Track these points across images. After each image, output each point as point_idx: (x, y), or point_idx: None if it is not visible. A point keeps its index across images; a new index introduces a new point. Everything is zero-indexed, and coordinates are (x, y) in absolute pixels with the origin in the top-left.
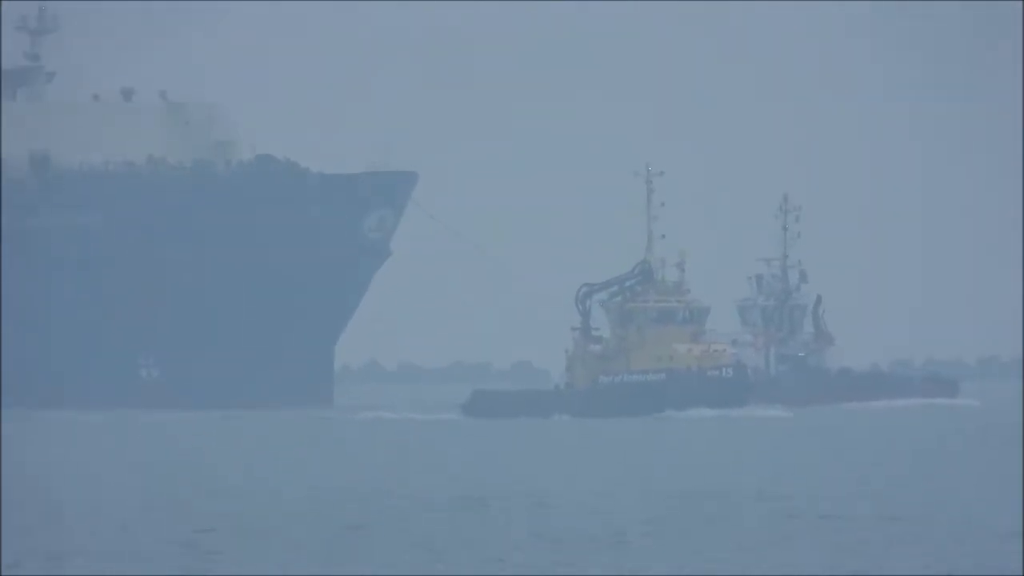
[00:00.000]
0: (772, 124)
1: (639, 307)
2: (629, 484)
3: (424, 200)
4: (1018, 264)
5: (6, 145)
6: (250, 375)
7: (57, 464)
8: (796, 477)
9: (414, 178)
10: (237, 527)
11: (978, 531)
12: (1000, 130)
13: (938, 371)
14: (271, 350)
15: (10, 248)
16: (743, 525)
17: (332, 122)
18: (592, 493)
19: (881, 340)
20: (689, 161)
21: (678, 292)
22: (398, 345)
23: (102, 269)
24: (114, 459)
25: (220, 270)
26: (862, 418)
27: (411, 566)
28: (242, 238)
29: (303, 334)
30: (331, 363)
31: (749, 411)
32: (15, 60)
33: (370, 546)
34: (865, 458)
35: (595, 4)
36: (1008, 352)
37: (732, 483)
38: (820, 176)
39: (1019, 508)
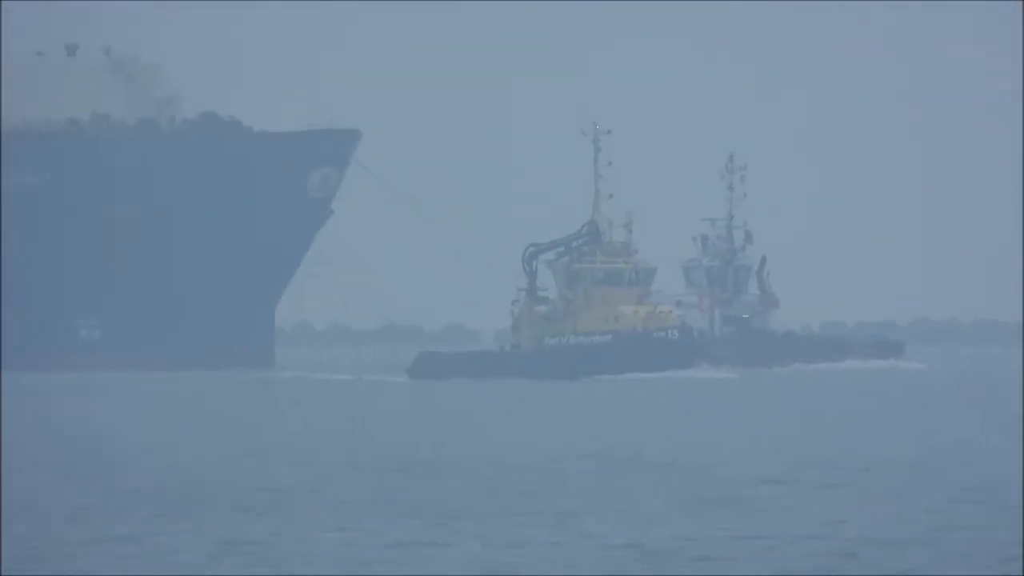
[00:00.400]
0: (720, 82)
1: (586, 268)
2: (572, 448)
3: (367, 160)
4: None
5: None
6: (192, 335)
7: None
8: (739, 441)
9: (357, 136)
10: (175, 489)
11: (924, 493)
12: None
13: (875, 332)
14: (213, 310)
15: None
16: (678, 490)
17: (276, 80)
18: (536, 457)
19: (822, 301)
20: (637, 119)
21: (625, 253)
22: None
23: (46, 228)
24: (47, 421)
25: (163, 229)
26: (811, 380)
27: (353, 525)
28: (186, 196)
29: (245, 294)
30: (272, 323)
31: (694, 373)
32: None
33: (317, 506)
34: (811, 421)
35: None
36: (938, 313)
37: (671, 448)
38: (767, 136)
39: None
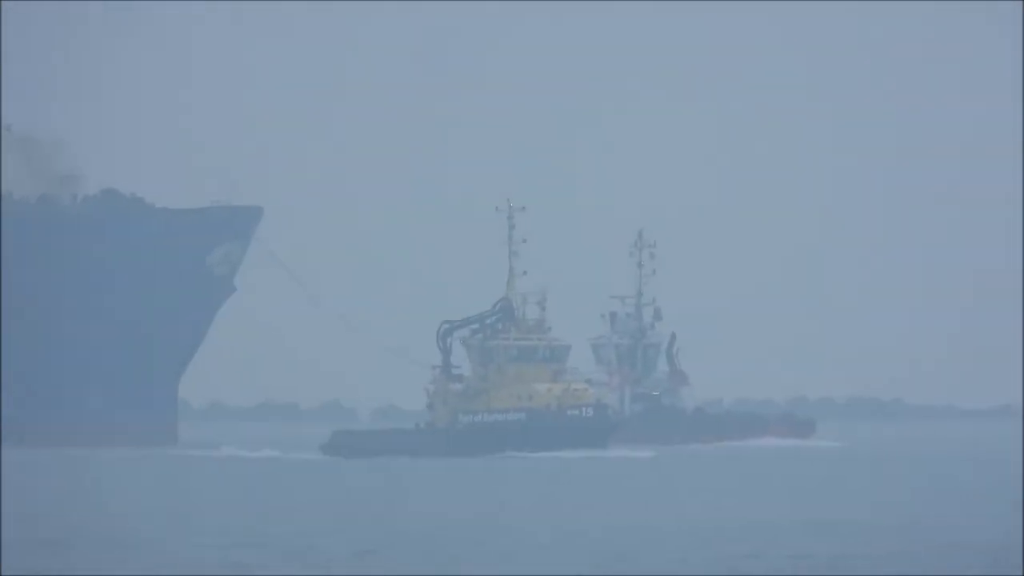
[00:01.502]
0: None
1: (500, 345)
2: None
3: (271, 236)
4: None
5: None
6: (94, 412)
7: None
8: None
9: (259, 213)
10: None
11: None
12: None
13: (787, 410)
14: (114, 387)
15: None
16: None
17: (177, 157)
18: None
19: (731, 378)
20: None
21: (539, 330)
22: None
23: None
24: None
25: (66, 305)
26: (727, 458)
27: None
28: (88, 273)
29: (147, 370)
30: (175, 400)
31: (610, 452)
32: None
33: None
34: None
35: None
36: (842, 392)
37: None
38: (676, 214)
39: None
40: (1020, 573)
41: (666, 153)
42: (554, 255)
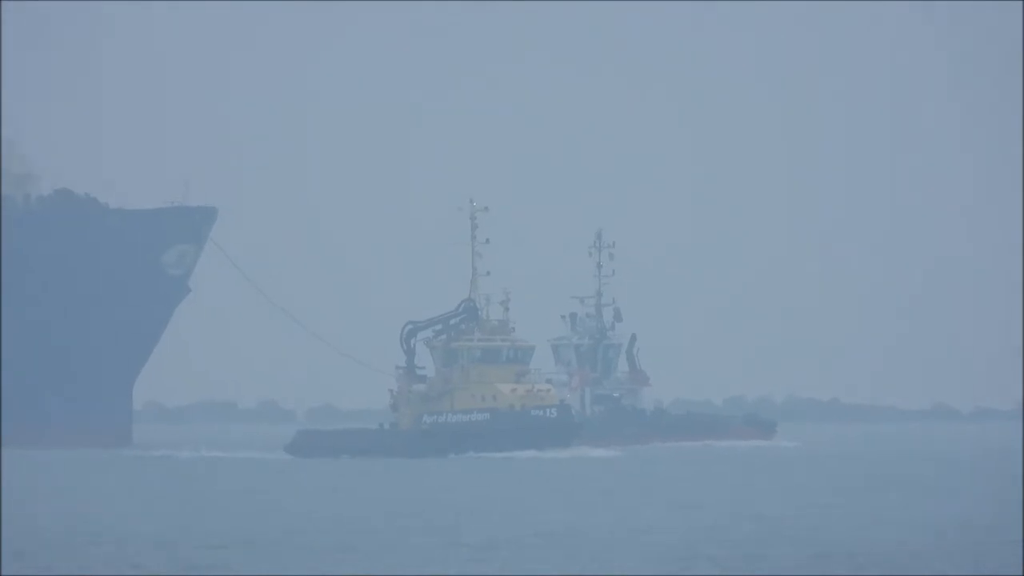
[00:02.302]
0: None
1: (464, 346)
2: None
3: (226, 238)
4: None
5: None
6: (47, 413)
7: None
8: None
9: (214, 214)
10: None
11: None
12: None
13: (748, 411)
14: (69, 387)
15: None
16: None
17: (131, 156)
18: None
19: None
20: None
21: (503, 331)
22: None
23: None
24: None
25: (19, 306)
26: (688, 458)
27: None
28: (41, 273)
29: (101, 370)
30: (129, 401)
31: (573, 451)
32: None
33: None
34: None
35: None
36: (780, 392)
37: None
38: (635, 214)
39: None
40: (1020, 573)
41: (627, 152)
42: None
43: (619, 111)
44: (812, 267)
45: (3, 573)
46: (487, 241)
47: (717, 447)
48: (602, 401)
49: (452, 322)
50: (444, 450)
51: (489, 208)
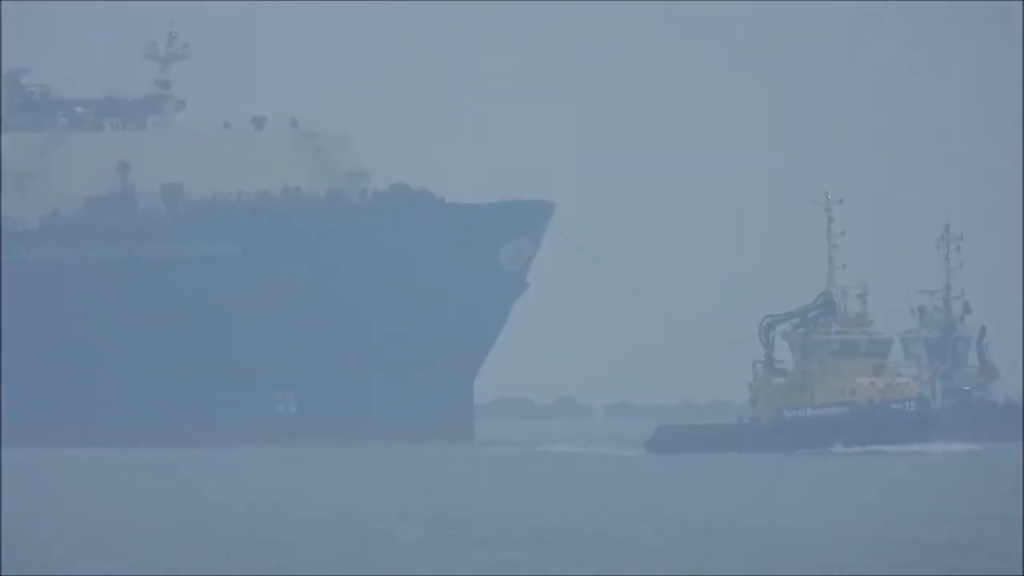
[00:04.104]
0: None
1: (821, 339)
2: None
3: (563, 231)
4: None
5: (138, 175)
6: (387, 409)
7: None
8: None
9: (551, 208)
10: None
11: None
12: None
13: None
14: (408, 383)
15: (143, 279)
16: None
17: (463, 150)
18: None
19: None
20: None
21: (860, 323)
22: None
23: (237, 300)
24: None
25: (356, 302)
26: None
27: None
28: (378, 269)
29: (442, 366)
30: (471, 396)
31: (930, 446)
32: (144, 88)
33: None
34: None
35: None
36: None
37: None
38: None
39: None
40: (1020, 573)
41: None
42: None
43: (981, 110)
44: None
45: (3, 573)
46: (843, 233)
47: None
48: (952, 395)
49: (810, 315)
50: (803, 444)
51: (844, 200)
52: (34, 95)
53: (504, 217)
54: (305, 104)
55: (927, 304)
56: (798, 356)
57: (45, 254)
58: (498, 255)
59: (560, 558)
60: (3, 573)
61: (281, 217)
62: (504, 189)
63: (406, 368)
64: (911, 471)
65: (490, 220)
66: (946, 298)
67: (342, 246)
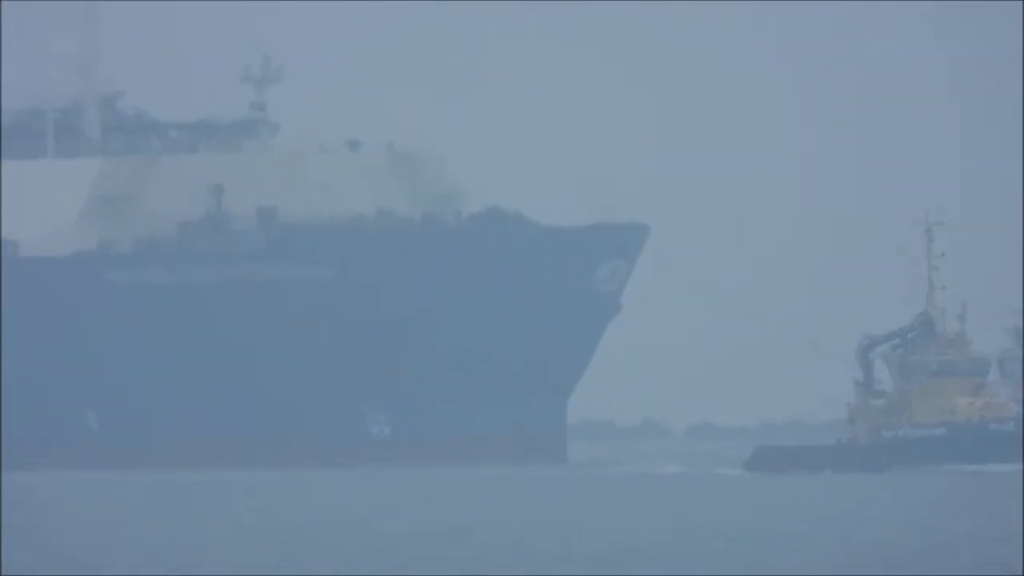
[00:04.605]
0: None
1: (920, 360)
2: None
3: (655, 253)
4: None
5: (232, 198)
6: (481, 430)
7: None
8: None
9: (646, 230)
10: None
11: None
12: None
13: None
14: (502, 405)
15: (237, 302)
16: None
17: (554, 173)
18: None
19: None
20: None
21: (959, 344)
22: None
23: (331, 323)
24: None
25: (451, 324)
26: None
27: None
28: (473, 291)
29: (535, 388)
30: (564, 418)
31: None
32: (239, 112)
33: None
34: None
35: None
36: None
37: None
38: None
39: None
40: (1020, 573)
41: None
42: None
43: None
44: None
45: (3, 573)
46: (943, 255)
47: None
48: None
49: (909, 336)
50: (901, 464)
51: (944, 222)
52: (129, 118)
53: (599, 239)
54: (400, 126)
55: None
56: (897, 377)
57: (139, 277)
58: (593, 277)
59: None
60: (3, 573)
61: (375, 240)
62: (598, 211)
63: (500, 390)
64: (1009, 491)
65: (585, 242)
66: None
67: (437, 268)
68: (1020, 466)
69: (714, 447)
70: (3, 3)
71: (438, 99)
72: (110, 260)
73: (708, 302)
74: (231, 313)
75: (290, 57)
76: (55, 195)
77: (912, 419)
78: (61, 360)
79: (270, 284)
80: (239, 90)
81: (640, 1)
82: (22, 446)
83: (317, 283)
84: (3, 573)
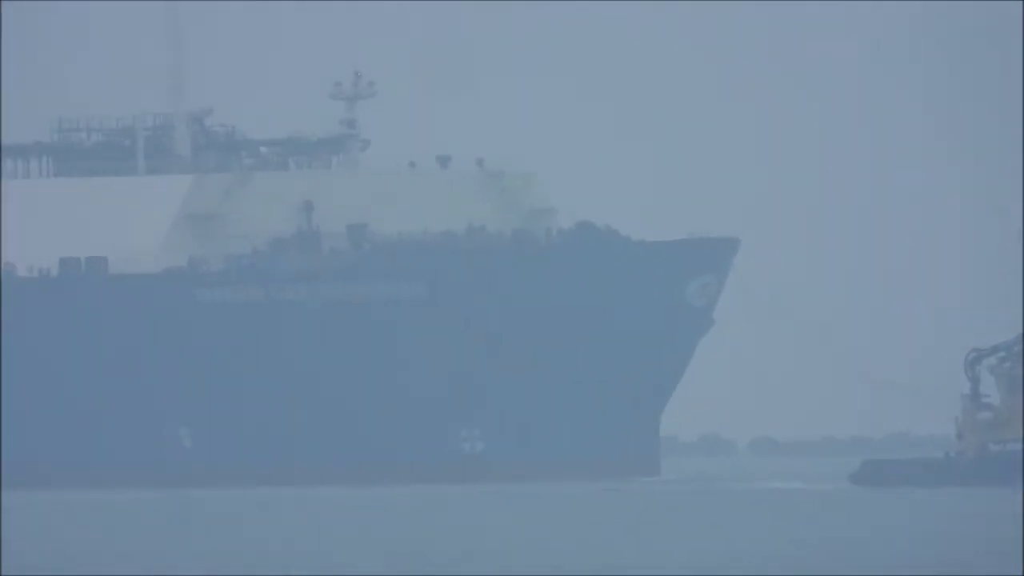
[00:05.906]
0: None
1: None
2: None
3: (744, 268)
4: None
5: (322, 215)
6: (574, 445)
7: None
8: None
9: (736, 244)
10: None
11: None
12: None
13: None
14: (596, 420)
15: (328, 319)
16: None
17: (642, 187)
18: None
19: None
20: None
21: None
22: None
23: (422, 340)
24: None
25: (543, 340)
26: None
27: None
28: (565, 307)
29: (628, 403)
30: (657, 433)
31: None
32: (330, 128)
33: None
34: None
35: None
36: None
37: None
38: None
39: None
40: (1020, 573)
41: None
42: None
43: None
44: None
45: (3, 573)
46: None
47: None
48: None
49: (1015, 349)
50: (1010, 479)
51: None
52: (219, 136)
53: (690, 254)
54: (490, 142)
55: None
56: (1004, 391)
57: (229, 295)
58: (684, 292)
59: None
60: (4, 573)
61: (466, 256)
62: (689, 225)
63: (594, 405)
64: None
65: (676, 257)
66: None
67: (528, 285)
68: None
69: (781, 461)
70: (93, 23)
71: (529, 115)
72: (200, 278)
73: (779, 316)
74: (322, 330)
75: (381, 73)
76: (145, 212)
77: (1020, 433)
78: (152, 378)
79: (361, 301)
80: (330, 107)
81: (731, 15)
82: (115, 465)
83: (408, 300)
84: None
